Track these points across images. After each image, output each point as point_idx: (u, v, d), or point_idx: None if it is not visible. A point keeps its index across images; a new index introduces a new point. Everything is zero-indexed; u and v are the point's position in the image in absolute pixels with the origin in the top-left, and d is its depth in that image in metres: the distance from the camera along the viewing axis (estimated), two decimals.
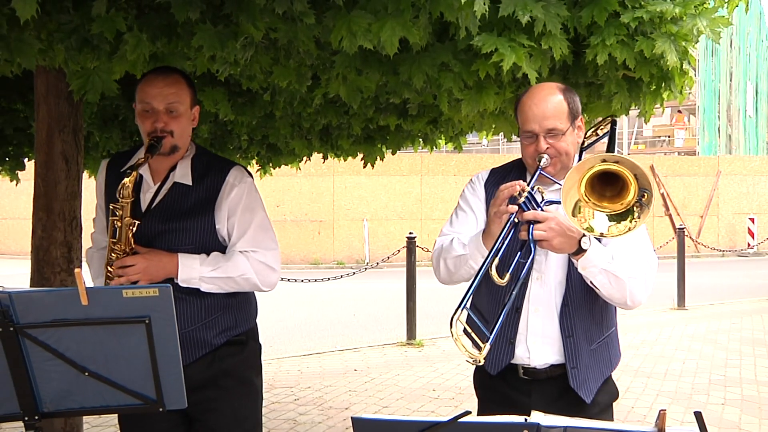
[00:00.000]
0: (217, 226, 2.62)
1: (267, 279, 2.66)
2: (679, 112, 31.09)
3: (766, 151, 41.49)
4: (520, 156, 2.54)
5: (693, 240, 16.29)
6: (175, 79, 2.59)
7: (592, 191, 2.11)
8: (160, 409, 1.99)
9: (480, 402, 2.61)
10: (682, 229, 12.23)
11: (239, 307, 2.73)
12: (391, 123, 4.35)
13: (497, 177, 2.57)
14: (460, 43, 2.55)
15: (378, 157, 5.28)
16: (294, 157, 5.54)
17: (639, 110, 3.15)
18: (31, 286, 4.06)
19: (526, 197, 2.21)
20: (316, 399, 6.43)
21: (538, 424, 1.40)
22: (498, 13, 2.33)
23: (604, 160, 2.05)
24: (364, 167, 5.49)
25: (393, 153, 5.31)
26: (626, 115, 3.23)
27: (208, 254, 2.61)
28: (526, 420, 1.43)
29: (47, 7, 2.56)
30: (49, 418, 2.02)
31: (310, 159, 5.75)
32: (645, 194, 2.06)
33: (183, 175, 2.64)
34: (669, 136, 32.61)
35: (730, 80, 33.93)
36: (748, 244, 21.26)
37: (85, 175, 5.01)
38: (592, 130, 2.76)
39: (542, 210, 2.22)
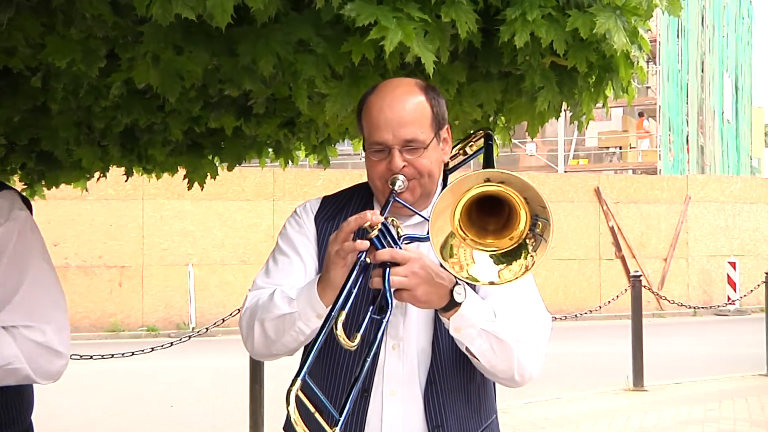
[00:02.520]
0: None
1: (47, 367, 2.51)
2: (641, 114, 32.44)
3: (750, 169, 43.98)
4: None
5: (654, 293, 16.96)
6: None
7: (470, 224, 2.21)
8: None
9: None
10: (639, 277, 12.65)
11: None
12: (227, 125, 4.35)
13: (332, 208, 2.67)
14: (324, 13, 2.58)
15: (209, 175, 5.25)
16: (81, 173, 5.45)
17: (572, 113, 3.26)
18: None
19: (380, 231, 2.27)
20: None
21: None
22: None
23: (487, 180, 2.15)
24: (189, 188, 5.45)
25: (230, 168, 5.31)
26: (556, 119, 3.32)
27: None
28: None
29: None
30: None
31: (105, 176, 5.66)
32: (539, 222, 2.17)
33: None
34: (620, 148, 33.98)
35: (702, 71, 35.76)
36: (728, 298, 22.12)
37: None
38: (459, 147, 2.90)
39: (400, 248, 2.29)
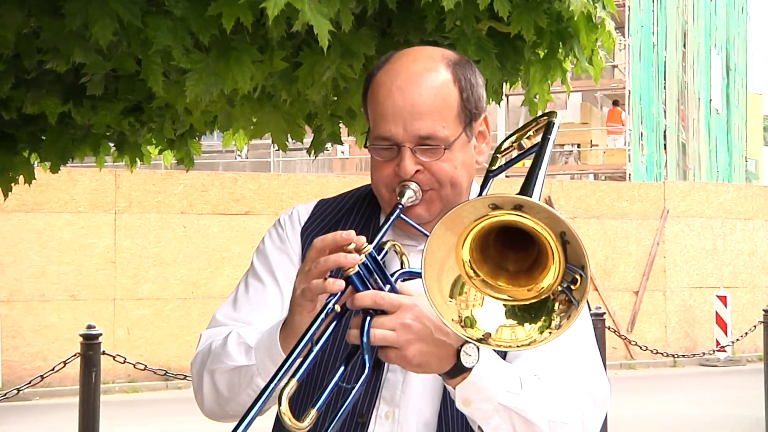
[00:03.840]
0: None
1: None
2: (615, 103, 32.64)
3: (745, 174, 44.77)
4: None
5: (622, 336, 16.94)
6: None
7: (484, 260, 2.10)
8: None
9: None
10: (602, 315, 12.61)
11: None
12: (49, 110, 4.31)
13: (327, 218, 2.64)
14: None
15: (22, 178, 5.22)
16: None
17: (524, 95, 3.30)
18: None
19: (364, 263, 2.20)
20: None
21: None
22: None
23: (494, 206, 2.02)
24: None
25: (54, 169, 5.25)
26: (498, 103, 3.40)
27: None
28: None
29: None
30: None
31: None
32: (579, 277, 2.01)
33: None
34: (578, 146, 34.44)
35: (684, 47, 36.43)
36: (717, 344, 22.04)
37: None
38: (514, 138, 2.73)
39: (393, 288, 2.21)
